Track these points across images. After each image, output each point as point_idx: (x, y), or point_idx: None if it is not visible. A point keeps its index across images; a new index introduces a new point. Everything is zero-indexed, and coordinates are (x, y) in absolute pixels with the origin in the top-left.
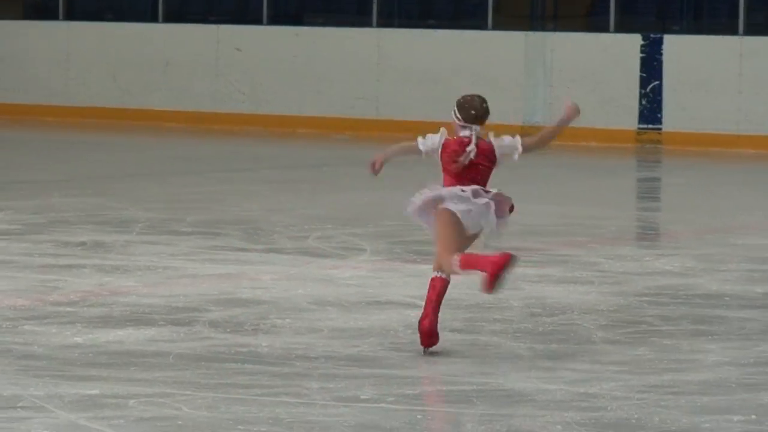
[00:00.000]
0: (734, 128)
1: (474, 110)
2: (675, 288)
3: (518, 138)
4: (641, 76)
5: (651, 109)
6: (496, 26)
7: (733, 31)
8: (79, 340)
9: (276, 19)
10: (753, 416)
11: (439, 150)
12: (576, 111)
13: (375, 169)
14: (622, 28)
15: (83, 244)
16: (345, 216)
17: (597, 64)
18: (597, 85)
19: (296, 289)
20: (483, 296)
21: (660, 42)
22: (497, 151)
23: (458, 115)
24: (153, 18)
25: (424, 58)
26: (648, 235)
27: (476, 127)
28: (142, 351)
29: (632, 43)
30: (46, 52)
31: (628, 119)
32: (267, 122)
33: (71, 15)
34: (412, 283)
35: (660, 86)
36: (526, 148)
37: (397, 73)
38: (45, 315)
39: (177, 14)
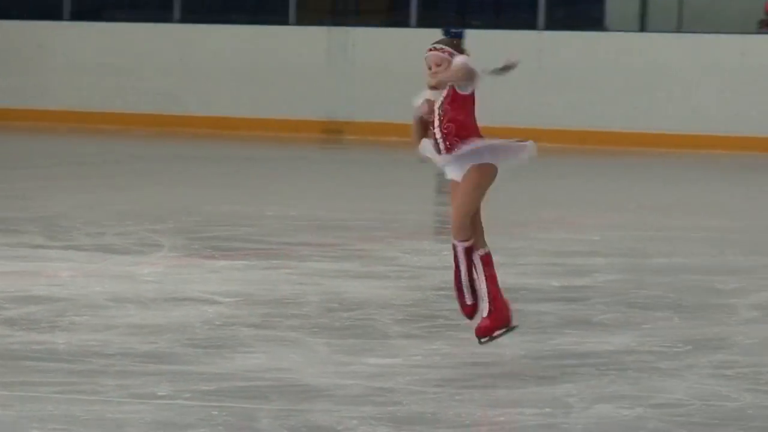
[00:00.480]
0: (533, 122)
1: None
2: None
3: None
4: None
5: None
6: (299, 21)
7: (532, 26)
8: None
9: (77, 15)
10: (547, 409)
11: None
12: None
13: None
14: (423, 23)
15: None
16: (144, 212)
17: (398, 59)
18: (398, 80)
19: (94, 286)
20: (280, 291)
21: (460, 37)
22: None
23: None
24: None
25: (227, 53)
26: (445, 229)
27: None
28: None
29: (433, 37)
30: None
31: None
32: (70, 118)
33: None
34: (210, 279)
35: None
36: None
37: (199, 69)
38: None
39: None
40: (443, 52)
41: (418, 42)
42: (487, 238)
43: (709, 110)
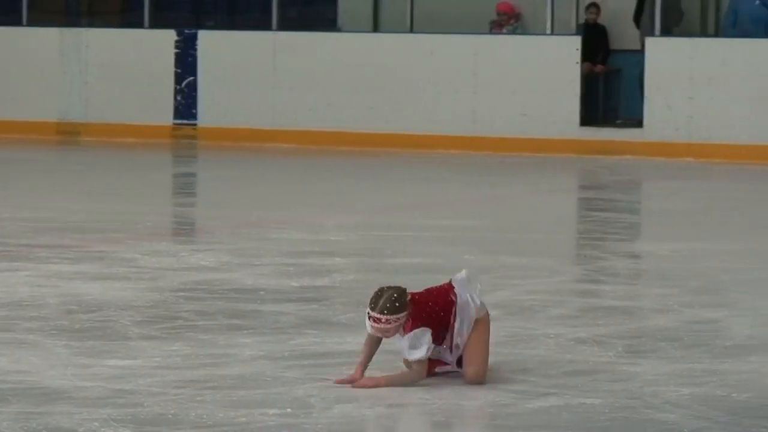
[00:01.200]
0: (269, 123)
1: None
2: (211, 283)
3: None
4: (176, 72)
5: (186, 104)
6: (31, 22)
7: (266, 26)
8: None
9: None
10: (288, 409)
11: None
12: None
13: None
14: (156, 23)
15: None
16: None
17: (132, 60)
18: (133, 81)
19: None
20: (18, 293)
21: (194, 38)
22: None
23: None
24: None
25: None
26: (184, 230)
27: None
28: None
29: (167, 38)
30: None
31: (164, 115)
32: None
33: None
34: None
35: (195, 82)
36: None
37: None
38: None
39: None
40: (388, 323)
41: (152, 42)
42: (221, 240)
43: (443, 110)
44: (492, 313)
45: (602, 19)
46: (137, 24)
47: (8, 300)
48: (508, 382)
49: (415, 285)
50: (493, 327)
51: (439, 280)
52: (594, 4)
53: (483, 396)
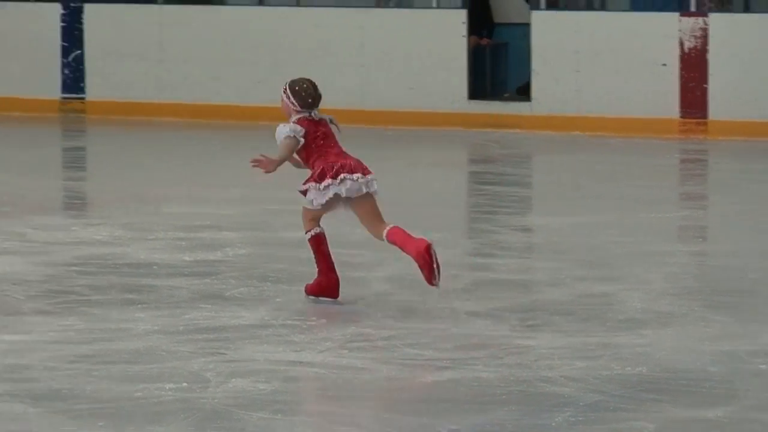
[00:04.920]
0: (157, 96)
1: (311, 98)
2: (103, 257)
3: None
4: (63, 45)
5: (74, 78)
6: None
7: (152, 0)
8: None
9: None
10: (184, 384)
11: (302, 131)
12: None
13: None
14: None
15: None
16: None
17: (18, 33)
18: (18, 55)
19: None
20: None
21: (80, 11)
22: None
23: (294, 101)
24: None
25: None
26: (75, 204)
27: (315, 112)
28: None
29: (52, 11)
30: None
31: (52, 89)
32: None
33: None
34: None
35: (82, 55)
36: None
37: None
38: None
39: None
40: (283, 91)
41: (38, 16)
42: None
43: (331, 84)
44: (384, 287)
45: None
46: None
47: None
48: (403, 357)
49: (307, 259)
50: (386, 301)
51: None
52: None
53: (377, 369)
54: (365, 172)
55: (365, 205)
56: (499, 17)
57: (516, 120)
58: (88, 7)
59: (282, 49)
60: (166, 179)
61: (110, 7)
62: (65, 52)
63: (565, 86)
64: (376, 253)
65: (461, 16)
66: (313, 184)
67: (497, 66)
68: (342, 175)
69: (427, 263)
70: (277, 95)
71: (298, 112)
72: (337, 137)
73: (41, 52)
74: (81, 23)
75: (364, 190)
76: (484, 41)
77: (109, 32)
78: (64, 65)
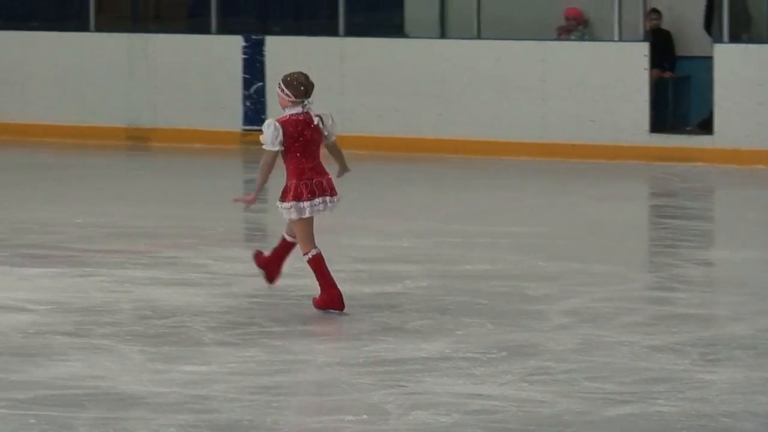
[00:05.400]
0: (338, 129)
1: (303, 85)
2: (284, 289)
3: (333, 132)
4: (244, 78)
5: (255, 110)
6: (98, 28)
7: (333, 32)
8: None
9: None
10: (364, 416)
11: (281, 134)
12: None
13: (251, 203)
14: (223, 29)
15: None
16: None
17: (200, 66)
18: (201, 87)
19: None
20: (93, 299)
21: (262, 43)
22: (328, 125)
23: (288, 92)
24: None
25: (28, 60)
26: (256, 236)
27: (308, 101)
28: None
29: (234, 44)
30: None
31: (233, 120)
32: None
33: None
34: (21, 287)
35: (263, 87)
36: (329, 145)
37: (1, 75)
38: None
39: None
40: (278, 87)
41: (219, 48)
42: None
43: (512, 116)
44: (564, 320)
45: (667, 25)
46: (204, 30)
47: (83, 305)
48: (583, 390)
49: (488, 292)
50: (566, 334)
51: (510, 287)
52: (655, 10)
53: (558, 402)
54: (333, 193)
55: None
56: (681, 50)
57: (698, 153)
58: (269, 39)
59: (463, 81)
60: (347, 211)
61: (291, 39)
62: (246, 84)
63: (747, 119)
64: (557, 286)
65: (643, 48)
66: (293, 203)
67: (679, 99)
68: (317, 198)
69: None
70: (458, 127)
71: (293, 102)
72: (326, 134)
73: (223, 84)
74: (262, 55)
75: (326, 212)
76: (667, 74)
77: (291, 64)
78: (246, 97)
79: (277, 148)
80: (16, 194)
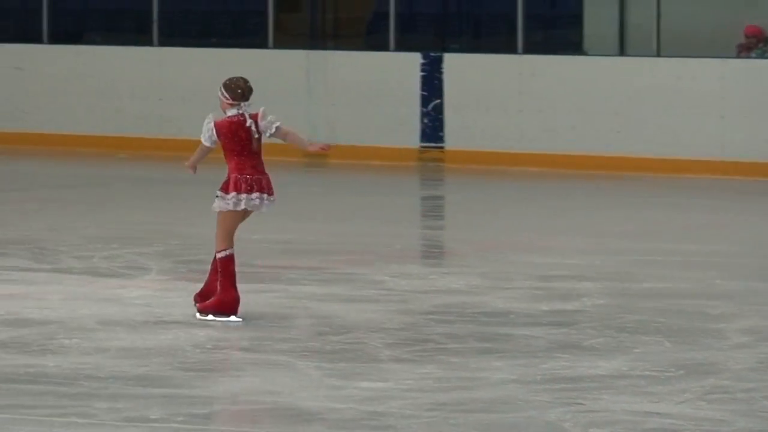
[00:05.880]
0: (515, 146)
1: (240, 89)
2: (461, 306)
3: (278, 122)
4: (422, 95)
5: (433, 127)
6: (277, 45)
7: (512, 49)
8: None
9: (56, 38)
10: None
11: (215, 133)
12: (323, 151)
13: (193, 171)
14: (401, 46)
15: None
16: (130, 235)
17: (378, 83)
18: (378, 104)
19: (83, 308)
20: (270, 315)
21: (440, 60)
22: (261, 123)
23: (226, 95)
24: None
25: (206, 76)
26: (433, 253)
27: (245, 104)
28: None
29: (412, 61)
30: None
31: (410, 137)
32: (47, 141)
33: None
34: None
35: (441, 104)
36: (278, 134)
37: (178, 93)
38: None
39: None
40: (219, 91)
41: (397, 65)
42: (470, 263)
43: (690, 134)
44: (743, 339)
45: None
46: (382, 47)
47: (260, 321)
48: (763, 410)
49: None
50: (746, 353)
51: (688, 305)
52: None
53: (736, 421)
54: (270, 192)
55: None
56: None
57: None
58: (447, 57)
59: (641, 99)
60: (523, 228)
61: (470, 57)
62: (425, 101)
63: None
64: (736, 304)
65: None
66: (227, 194)
67: None
68: (255, 193)
69: (216, 309)
70: (636, 145)
71: (231, 105)
72: (264, 132)
73: (400, 101)
74: (440, 72)
75: (262, 210)
76: None
77: (469, 81)
78: (424, 114)
79: (209, 144)
80: (195, 209)
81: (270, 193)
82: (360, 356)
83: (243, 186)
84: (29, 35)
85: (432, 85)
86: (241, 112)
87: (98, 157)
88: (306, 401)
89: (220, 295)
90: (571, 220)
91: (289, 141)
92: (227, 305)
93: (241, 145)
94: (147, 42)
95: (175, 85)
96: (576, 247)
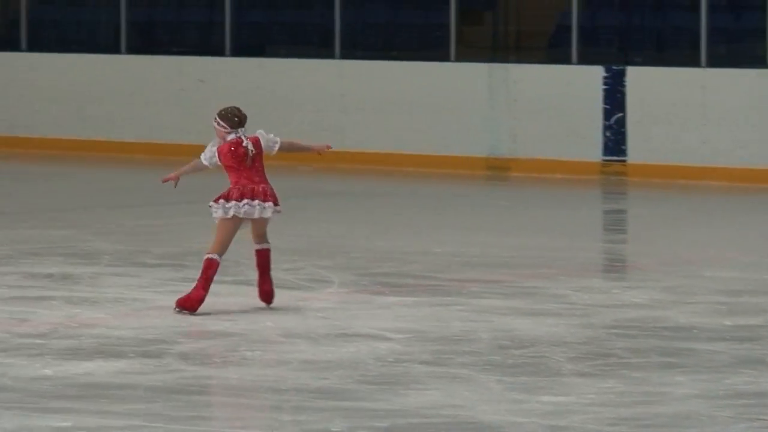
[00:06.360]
0: (699, 160)
1: (237, 117)
2: (643, 320)
3: (278, 138)
4: (605, 108)
5: (615, 140)
6: (459, 58)
7: (695, 62)
8: (48, 372)
9: (239, 51)
10: None
11: (217, 157)
12: (323, 150)
13: (171, 183)
14: (584, 59)
15: (51, 275)
16: (312, 248)
17: (560, 96)
18: (560, 117)
19: (265, 321)
20: (451, 328)
21: (623, 73)
22: (263, 143)
23: (223, 125)
24: (116, 49)
25: (388, 89)
26: (615, 266)
27: (241, 130)
28: (112, 383)
29: (595, 74)
30: (9, 83)
31: (592, 151)
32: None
33: (34, 46)
34: (380, 315)
35: (624, 118)
36: (282, 148)
37: (361, 105)
38: (14, 347)
39: (140, 46)
40: (215, 122)
41: (580, 78)
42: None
43: None
44: None
45: None
46: (565, 60)
47: (441, 334)
48: None
49: None
50: None
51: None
52: None
53: None
54: (268, 199)
55: (257, 223)
56: None
57: None
58: (630, 70)
59: None
60: (708, 243)
61: (653, 70)
62: (607, 114)
63: None
64: None
65: None
66: (222, 201)
67: None
68: (245, 200)
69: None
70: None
71: (228, 132)
72: (268, 148)
73: (582, 115)
74: (623, 86)
75: (257, 216)
76: None
77: (652, 94)
78: (606, 128)
79: (206, 163)
80: (376, 222)
81: (266, 199)
82: (542, 370)
83: (235, 194)
84: (212, 48)
85: (614, 98)
86: (238, 135)
87: (279, 170)
88: (487, 415)
89: (191, 291)
90: (756, 235)
91: (295, 151)
92: (192, 302)
93: (237, 160)
94: (329, 55)
95: (356, 98)
96: (761, 263)
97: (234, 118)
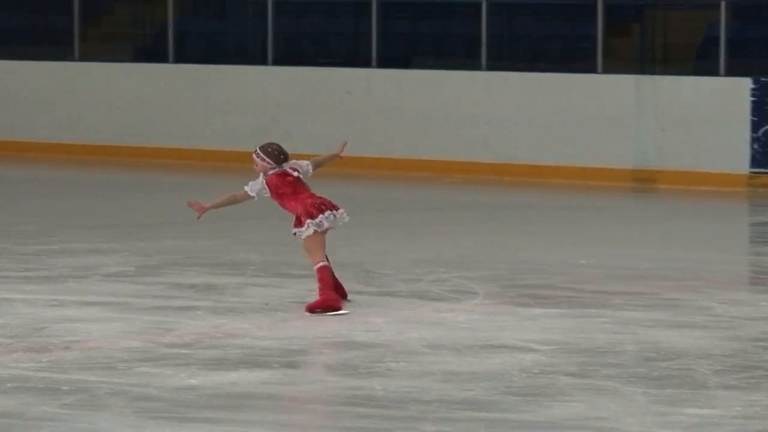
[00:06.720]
0: None
1: (283, 154)
2: None
3: (308, 163)
4: (752, 120)
5: (763, 153)
6: (606, 69)
7: None
8: (194, 382)
9: (385, 62)
10: None
11: (267, 188)
12: (341, 152)
13: (198, 213)
14: (731, 71)
15: (195, 286)
16: (457, 259)
17: (707, 108)
18: (707, 129)
19: (410, 332)
20: (596, 340)
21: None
22: (300, 170)
23: (269, 161)
24: (262, 61)
25: (534, 101)
26: (762, 279)
27: (285, 164)
28: (256, 393)
29: (742, 86)
30: (155, 94)
31: (740, 163)
32: (375, 165)
33: (180, 57)
34: (526, 327)
35: None
36: (313, 166)
37: (507, 116)
38: (159, 357)
39: (285, 57)
40: (255, 155)
41: (727, 89)
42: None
43: None
44: None
45: None
46: (712, 71)
47: (586, 346)
48: None
49: None
50: None
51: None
52: None
53: None
54: (335, 207)
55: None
56: None
57: None
58: None
59: None
60: None
61: None
62: (755, 126)
63: None
64: None
65: None
66: (309, 221)
67: None
68: (327, 212)
69: (322, 306)
70: None
71: (272, 168)
72: (305, 172)
73: (730, 127)
74: None
75: (340, 223)
76: None
77: None
78: (753, 140)
79: (253, 195)
80: (523, 234)
81: (335, 208)
82: (687, 382)
83: (314, 211)
84: (359, 59)
85: (762, 110)
86: (282, 168)
87: (424, 181)
88: (632, 427)
89: (321, 296)
90: None
91: (323, 164)
92: (330, 302)
93: (292, 187)
94: (475, 66)
95: (502, 109)
96: None
97: (280, 156)
